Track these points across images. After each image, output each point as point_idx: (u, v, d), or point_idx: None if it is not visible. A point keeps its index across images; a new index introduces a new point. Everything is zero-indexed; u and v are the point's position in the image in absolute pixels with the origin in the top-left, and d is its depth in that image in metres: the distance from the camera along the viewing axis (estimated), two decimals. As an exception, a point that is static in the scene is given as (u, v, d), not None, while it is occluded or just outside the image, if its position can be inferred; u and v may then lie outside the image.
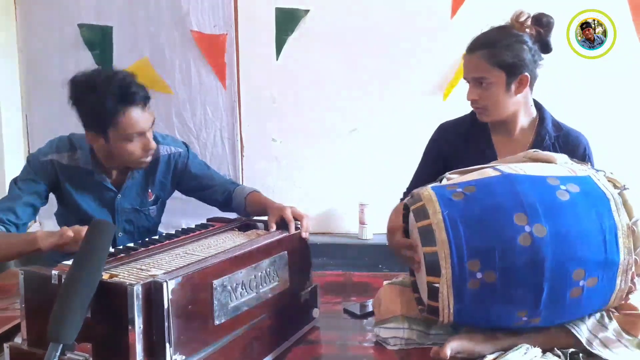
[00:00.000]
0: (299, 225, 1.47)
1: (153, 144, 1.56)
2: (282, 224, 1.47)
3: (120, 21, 2.70)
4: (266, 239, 1.36)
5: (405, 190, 1.76)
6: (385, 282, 1.47)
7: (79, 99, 1.51)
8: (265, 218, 1.55)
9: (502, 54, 1.48)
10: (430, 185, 1.30)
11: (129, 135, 1.51)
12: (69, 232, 1.29)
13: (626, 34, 2.48)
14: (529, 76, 1.50)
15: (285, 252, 1.38)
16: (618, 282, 1.20)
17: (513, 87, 1.51)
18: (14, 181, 1.61)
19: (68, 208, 1.68)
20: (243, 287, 1.21)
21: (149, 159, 1.59)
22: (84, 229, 1.25)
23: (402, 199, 1.72)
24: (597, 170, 1.28)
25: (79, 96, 1.51)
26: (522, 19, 1.51)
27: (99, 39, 2.71)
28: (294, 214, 1.47)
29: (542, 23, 1.51)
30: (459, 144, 1.65)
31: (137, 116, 1.49)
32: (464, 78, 1.57)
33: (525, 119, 1.59)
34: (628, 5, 2.49)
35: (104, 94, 1.46)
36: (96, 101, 1.46)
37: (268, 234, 1.43)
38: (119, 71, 1.54)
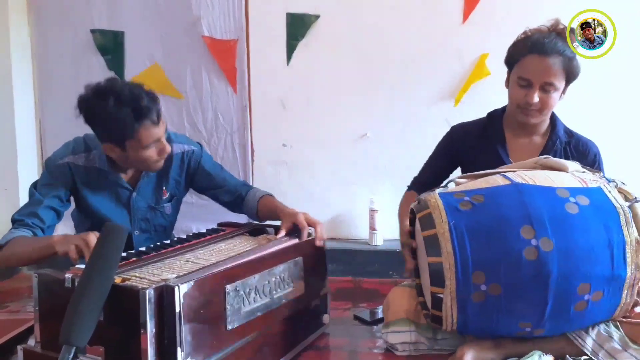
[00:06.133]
0: (311, 232, 1.45)
1: (168, 148, 1.59)
2: (294, 230, 1.47)
3: (132, 27, 2.72)
4: (281, 244, 1.36)
5: (412, 179, 1.78)
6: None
7: (93, 118, 1.52)
8: (276, 223, 1.55)
9: (572, 64, 1.54)
10: (437, 191, 1.29)
11: (150, 144, 1.54)
12: (74, 255, 1.28)
13: (627, 34, 2.46)
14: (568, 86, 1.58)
15: (301, 257, 1.37)
16: (624, 296, 1.19)
17: (562, 94, 1.57)
18: (34, 186, 1.63)
19: (84, 209, 1.69)
20: (257, 293, 1.21)
21: (162, 161, 1.62)
22: (92, 241, 1.26)
23: (409, 187, 1.75)
24: (609, 181, 1.27)
25: (93, 115, 1.51)
26: (561, 28, 1.58)
27: (111, 45, 2.74)
28: (308, 221, 1.46)
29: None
30: (473, 144, 1.68)
31: (152, 127, 1.52)
32: (526, 79, 1.53)
33: (544, 123, 1.64)
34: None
35: (118, 113, 1.47)
36: (111, 120, 1.48)
37: (280, 239, 1.42)
38: (126, 85, 1.53)
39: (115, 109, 1.47)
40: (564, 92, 1.58)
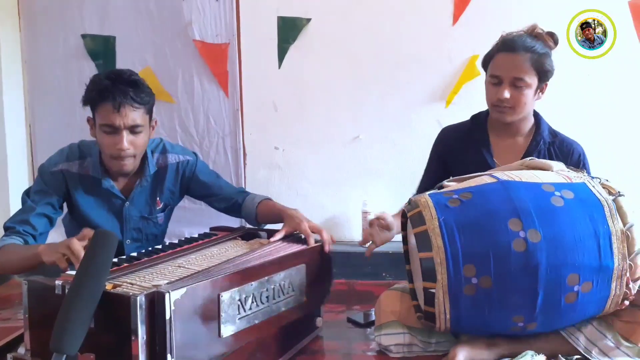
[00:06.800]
0: (317, 239, 1.45)
1: (123, 145, 1.53)
2: (291, 235, 1.46)
3: (123, 31, 2.71)
4: (282, 251, 1.34)
5: (415, 191, 1.79)
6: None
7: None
8: (271, 227, 1.54)
9: (542, 60, 1.55)
10: (427, 193, 1.31)
11: (103, 127, 1.53)
12: (63, 264, 1.28)
13: (626, 34, 2.48)
14: (547, 85, 1.59)
15: (304, 265, 1.36)
16: (613, 287, 1.21)
17: (538, 93, 1.58)
18: (27, 193, 1.63)
19: (76, 217, 1.69)
20: (254, 300, 1.19)
21: (125, 161, 1.57)
22: (76, 248, 1.25)
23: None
24: (593, 177, 1.30)
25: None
26: (538, 31, 1.59)
27: (102, 49, 2.73)
28: (312, 228, 1.45)
29: (554, 41, 1.60)
30: (458, 147, 1.70)
31: (111, 111, 1.51)
32: (496, 76, 1.56)
33: (527, 124, 1.65)
34: (629, 8, 2.50)
35: (98, 81, 1.54)
36: (89, 85, 1.56)
37: (281, 245, 1.41)
38: (127, 71, 1.58)
39: (99, 78, 1.55)
40: (542, 91, 1.59)
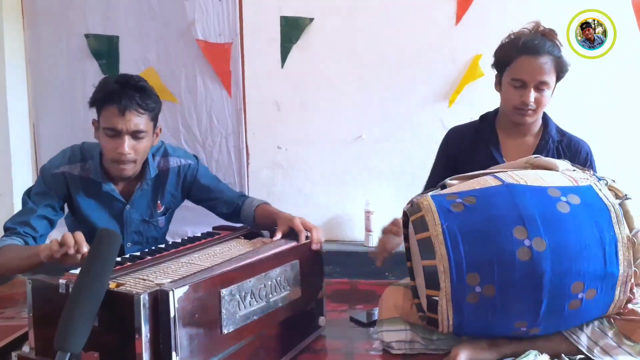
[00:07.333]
0: (308, 235, 1.46)
1: (124, 149, 1.54)
2: (289, 234, 1.47)
3: (126, 31, 2.72)
4: (277, 248, 1.35)
5: (422, 191, 1.79)
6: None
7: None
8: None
9: (562, 61, 1.57)
10: (430, 194, 1.29)
11: (106, 130, 1.54)
12: (56, 247, 1.28)
13: (626, 34, 2.48)
14: None
15: (297, 261, 1.37)
16: (617, 293, 1.20)
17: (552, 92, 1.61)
18: (27, 194, 1.63)
19: (78, 218, 1.69)
20: (252, 296, 1.20)
21: (125, 166, 1.57)
22: (69, 239, 1.26)
23: None
24: (599, 179, 1.27)
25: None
26: (544, 30, 1.60)
27: (105, 49, 2.73)
28: (304, 225, 1.46)
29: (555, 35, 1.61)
30: (467, 146, 1.70)
31: (115, 113, 1.51)
32: (520, 79, 1.56)
33: (537, 123, 1.66)
34: (632, 7, 2.49)
35: (105, 83, 1.56)
36: (97, 90, 1.57)
37: (277, 242, 1.42)
38: (136, 77, 1.59)
39: (108, 80, 1.57)
40: (553, 91, 1.60)
